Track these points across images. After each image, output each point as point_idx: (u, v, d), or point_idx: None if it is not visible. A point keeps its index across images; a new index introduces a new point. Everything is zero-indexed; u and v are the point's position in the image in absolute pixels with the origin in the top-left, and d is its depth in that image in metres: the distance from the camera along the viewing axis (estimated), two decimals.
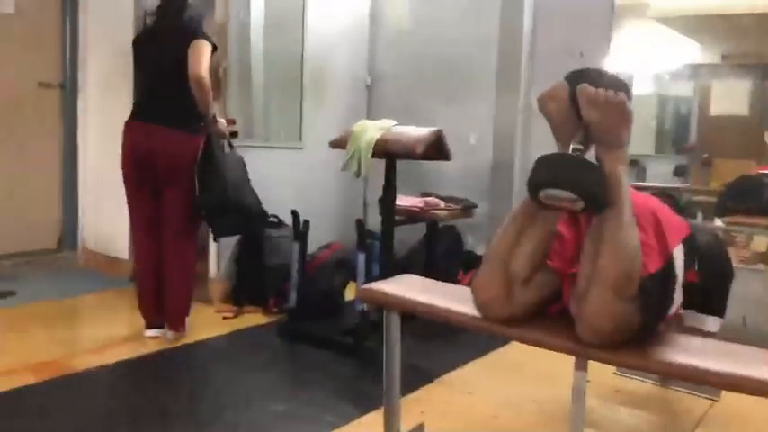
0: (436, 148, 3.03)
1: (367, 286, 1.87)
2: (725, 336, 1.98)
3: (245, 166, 2.98)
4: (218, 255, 3.56)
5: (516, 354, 2.78)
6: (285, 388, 2.51)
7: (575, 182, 1.33)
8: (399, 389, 1.85)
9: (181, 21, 2.87)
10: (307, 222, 3.12)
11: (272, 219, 3.65)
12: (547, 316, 1.54)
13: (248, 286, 3.50)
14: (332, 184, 4.17)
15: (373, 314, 2.72)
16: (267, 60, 4.04)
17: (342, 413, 2.24)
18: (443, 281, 2.05)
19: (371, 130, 3.06)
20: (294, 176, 3.94)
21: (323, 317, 3.24)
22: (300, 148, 4.07)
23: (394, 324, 1.81)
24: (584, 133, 1.40)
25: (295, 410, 2.27)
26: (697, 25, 4.65)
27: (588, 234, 1.40)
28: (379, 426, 1.87)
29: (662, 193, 2.50)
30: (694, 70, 5.09)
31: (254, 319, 3.31)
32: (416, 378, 2.51)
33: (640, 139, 5.64)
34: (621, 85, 1.40)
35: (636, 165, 5.14)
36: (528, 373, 2.64)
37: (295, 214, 3.13)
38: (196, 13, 2.94)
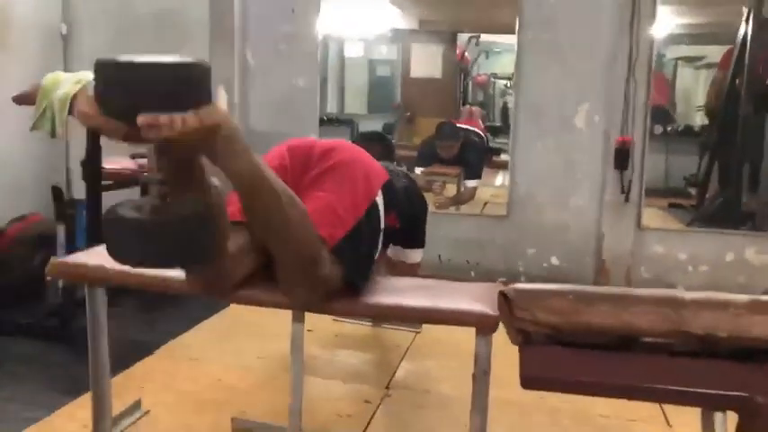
0: None
1: (60, 260, 1.66)
2: (426, 272, 2.23)
3: None
4: None
5: (241, 312, 2.76)
6: None
7: (179, 256, 1.04)
8: (109, 368, 1.71)
9: None
10: None
11: None
12: (263, 272, 1.55)
13: None
14: (25, 147, 3.62)
15: (80, 290, 2.46)
16: None
17: (46, 404, 2.00)
18: None
19: (67, 83, 2.68)
20: None
21: (23, 301, 2.83)
22: None
23: (98, 300, 1.66)
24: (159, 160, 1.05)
25: None
26: None
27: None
28: (89, 410, 1.71)
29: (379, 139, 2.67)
30: (397, 35, 5.52)
31: None
32: (136, 352, 2.35)
33: (355, 100, 5.98)
34: (184, 85, 1.01)
35: (351, 123, 5.45)
36: (253, 330, 2.65)
37: None
38: None
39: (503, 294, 0.82)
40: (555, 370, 0.86)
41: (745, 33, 4.00)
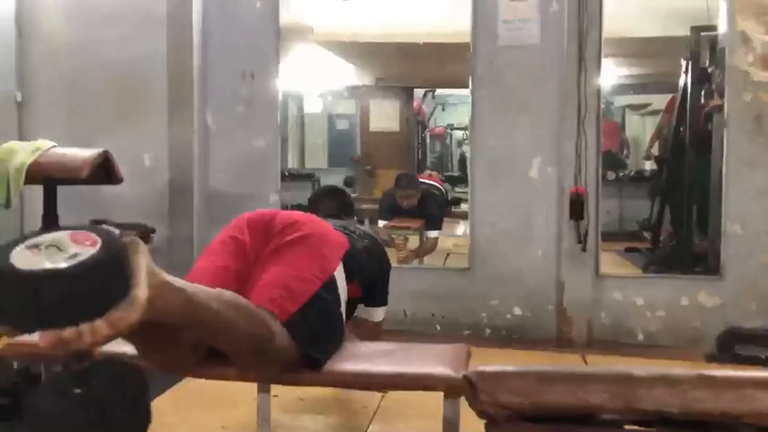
0: (104, 171, 2.81)
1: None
2: (391, 327, 2.23)
3: None
4: None
5: (199, 382, 2.70)
6: None
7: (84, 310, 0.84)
8: None
9: None
10: None
11: None
12: None
13: None
14: None
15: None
16: None
17: None
18: None
19: (22, 152, 2.70)
20: None
21: None
22: None
23: None
24: None
25: None
26: (354, 50, 5.17)
27: None
28: None
29: (336, 193, 2.70)
30: (354, 91, 5.66)
31: None
32: None
33: (315, 155, 6.05)
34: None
35: (311, 178, 5.50)
36: (215, 399, 2.58)
37: None
38: None
39: (467, 379, 0.84)
40: None
41: (686, 84, 4.22)
